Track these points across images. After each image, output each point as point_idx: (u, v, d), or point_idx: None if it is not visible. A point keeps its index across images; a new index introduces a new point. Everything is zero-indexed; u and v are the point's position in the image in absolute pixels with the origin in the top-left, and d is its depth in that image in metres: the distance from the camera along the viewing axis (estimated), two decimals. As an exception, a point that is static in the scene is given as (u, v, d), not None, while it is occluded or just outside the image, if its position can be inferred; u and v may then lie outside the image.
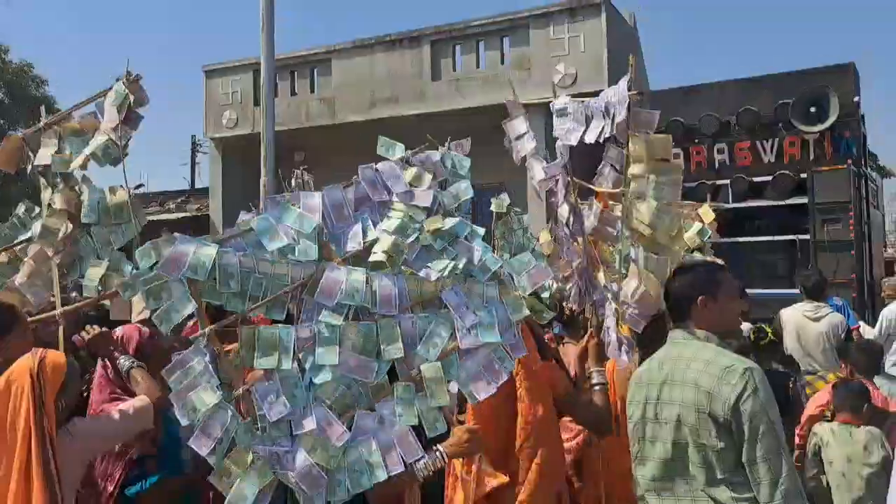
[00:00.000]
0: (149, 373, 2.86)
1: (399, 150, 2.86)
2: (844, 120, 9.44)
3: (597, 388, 3.13)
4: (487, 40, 13.41)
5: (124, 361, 2.90)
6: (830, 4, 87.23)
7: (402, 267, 2.53)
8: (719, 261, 4.49)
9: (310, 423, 2.19)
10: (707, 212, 4.73)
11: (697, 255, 4.25)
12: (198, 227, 14.95)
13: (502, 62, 13.28)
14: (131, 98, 3.16)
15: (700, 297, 2.51)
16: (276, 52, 7.41)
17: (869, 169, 10.33)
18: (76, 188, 3.20)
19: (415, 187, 2.72)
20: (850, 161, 9.28)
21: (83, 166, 3.18)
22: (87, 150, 3.15)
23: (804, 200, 9.38)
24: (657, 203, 3.05)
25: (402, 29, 14.13)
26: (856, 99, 9.65)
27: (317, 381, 2.25)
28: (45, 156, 3.25)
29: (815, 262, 8.85)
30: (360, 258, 2.52)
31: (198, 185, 23.87)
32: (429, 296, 2.48)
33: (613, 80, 13.92)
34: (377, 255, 2.47)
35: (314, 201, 2.57)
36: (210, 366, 2.16)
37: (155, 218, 15.64)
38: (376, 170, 2.72)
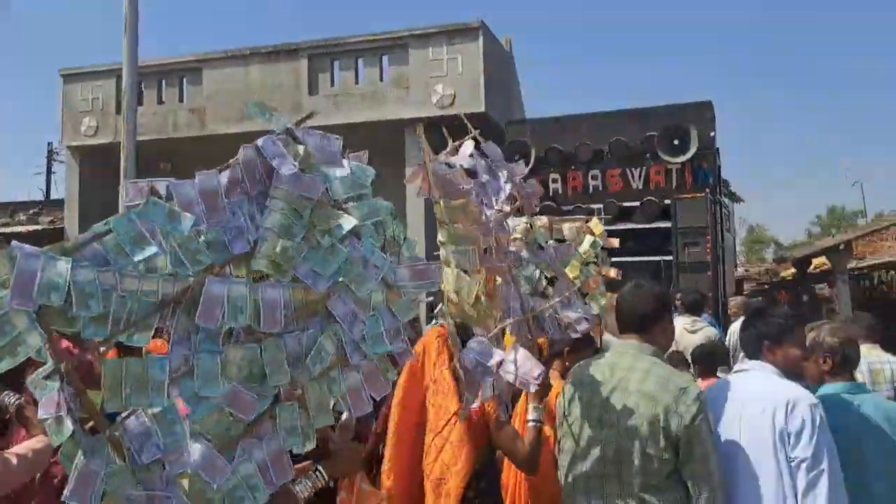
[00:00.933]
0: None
1: (281, 121, 2.26)
2: (703, 152, 10.37)
3: (530, 424, 2.91)
4: (366, 57, 13.36)
5: (8, 399, 2.53)
6: (689, 48, 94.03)
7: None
8: (613, 272, 4.68)
9: (188, 463, 1.90)
10: (596, 224, 4.91)
11: (592, 268, 4.37)
12: (53, 240, 13.89)
13: (381, 79, 13.26)
14: None
15: (659, 317, 2.75)
16: (142, 58, 7.02)
17: (723, 196, 11.23)
18: None
19: (303, 171, 2.21)
20: (707, 189, 10.13)
21: None
22: None
23: (668, 224, 10.07)
24: (457, 270, 2.96)
25: (277, 42, 13.82)
26: (712, 134, 10.60)
27: (196, 416, 1.95)
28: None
29: (677, 281, 9.49)
30: (239, 264, 2.11)
31: (54, 195, 22.23)
32: (314, 306, 2.20)
33: (490, 103, 14.27)
34: (261, 262, 2.09)
35: (188, 191, 2.02)
36: (70, 405, 1.77)
37: (2, 230, 14.41)
38: (257, 148, 2.16)
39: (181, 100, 14.40)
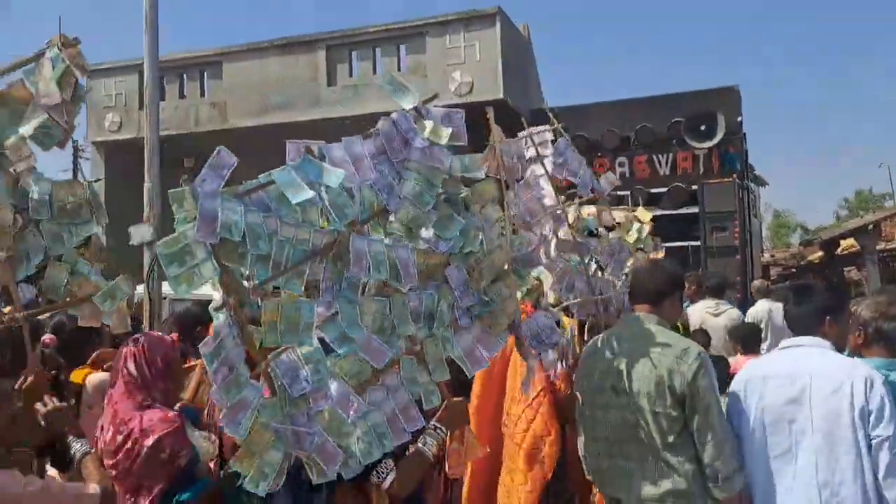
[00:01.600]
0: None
1: (412, 98, 2.45)
2: (729, 137, 10.40)
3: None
4: (384, 47, 13.35)
5: (78, 447, 2.59)
6: (716, 33, 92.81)
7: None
8: (661, 255, 4.94)
9: (329, 399, 2.07)
10: (643, 213, 5.00)
11: (640, 255, 4.56)
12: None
13: (399, 69, 13.24)
14: (72, 67, 2.63)
15: (671, 293, 3.00)
16: (163, 53, 7.08)
17: (749, 181, 11.16)
18: (13, 171, 2.67)
19: (433, 145, 2.42)
20: (734, 174, 10.16)
21: (20, 150, 2.66)
22: (25, 131, 2.61)
23: (696, 210, 10.07)
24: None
25: (295, 34, 13.85)
26: (739, 119, 10.54)
27: (342, 352, 2.16)
28: None
29: (705, 266, 9.47)
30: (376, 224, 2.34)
31: (78, 191, 22.48)
32: (432, 269, 2.41)
33: (508, 90, 14.20)
34: (395, 225, 2.33)
35: (337, 153, 2.23)
36: (238, 339, 1.93)
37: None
38: (393, 122, 2.38)
39: (202, 94, 14.50)
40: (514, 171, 3.19)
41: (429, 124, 2.46)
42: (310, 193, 2.04)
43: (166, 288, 7.64)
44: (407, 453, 2.44)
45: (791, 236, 38.42)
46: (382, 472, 2.36)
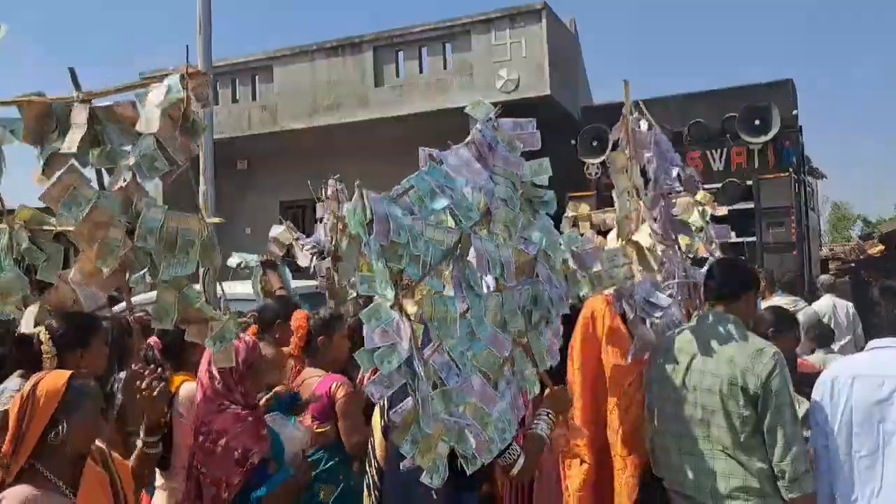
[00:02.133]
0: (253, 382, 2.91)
1: (486, 110, 2.63)
2: (785, 131, 10.20)
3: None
4: (430, 46, 13.41)
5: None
6: (767, 25, 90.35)
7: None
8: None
9: (472, 392, 2.24)
10: (705, 196, 5.10)
11: (702, 235, 4.73)
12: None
13: (445, 68, 13.30)
14: (192, 99, 2.66)
15: (746, 291, 3.03)
16: (214, 58, 7.26)
17: (805, 175, 10.96)
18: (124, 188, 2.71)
19: (510, 152, 2.64)
20: (791, 169, 10.00)
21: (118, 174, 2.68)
22: (134, 156, 2.62)
23: (751, 206, 9.92)
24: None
25: (342, 35, 14.02)
26: (794, 112, 10.38)
27: (475, 350, 2.31)
28: (73, 140, 2.70)
29: (761, 262, 9.35)
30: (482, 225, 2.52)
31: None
32: (523, 268, 2.59)
33: (555, 86, 14.09)
34: (499, 226, 2.49)
35: (454, 160, 2.40)
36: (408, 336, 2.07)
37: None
38: (480, 131, 2.56)
39: (254, 97, 14.79)
40: (643, 142, 3.58)
41: (504, 133, 2.65)
42: (446, 198, 2.23)
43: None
44: (517, 439, 2.55)
45: (852, 229, 37.25)
46: (510, 457, 2.45)
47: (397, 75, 13.63)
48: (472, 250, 2.28)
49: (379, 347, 2.00)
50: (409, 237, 2.08)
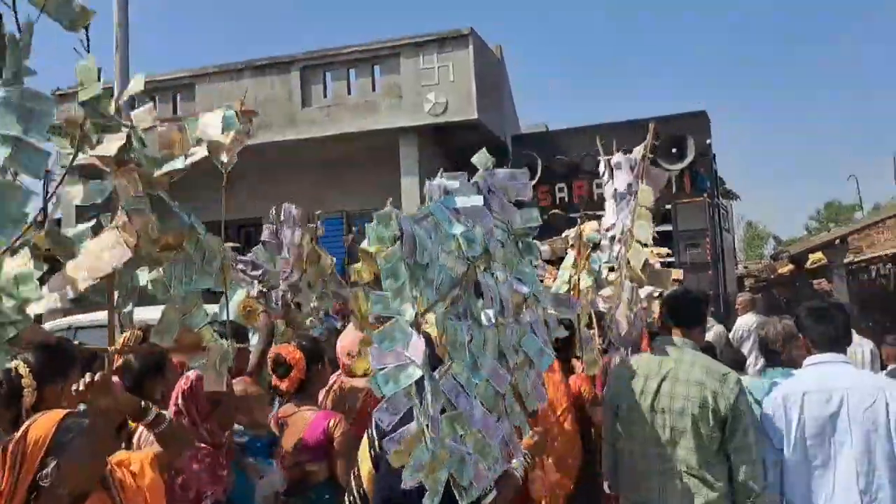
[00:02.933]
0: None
1: (486, 159, 2.76)
2: (699, 159, 11.09)
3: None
4: (358, 68, 13.40)
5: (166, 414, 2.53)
6: (683, 60, 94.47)
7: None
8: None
9: (474, 421, 2.23)
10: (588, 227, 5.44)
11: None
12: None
13: (373, 89, 13.31)
14: (233, 136, 2.73)
15: (702, 318, 3.30)
16: (134, 75, 7.05)
17: (720, 197, 11.68)
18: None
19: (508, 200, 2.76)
20: (705, 194, 10.81)
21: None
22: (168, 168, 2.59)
23: (669, 228, 10.51)
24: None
25: (269, 55, 13.87)
26: (708, 141, 11.30)
27: (477, 379, 2.29)
28: (110, 148, 2.73)
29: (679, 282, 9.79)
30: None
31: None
32: (516, 309, 2.65)
33: (482, 110, 14.29)
34: (497, 264, 2.55)
35: (465, 199, 2.44)
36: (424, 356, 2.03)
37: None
38: (484, 178, 2.67)
39: (174, 113, 14.43)
40: (658, 181, 4.13)
41: (495, 181, 2.76)
42: (461, 226, 2.28)
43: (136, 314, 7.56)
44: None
45: (764, 247, 39.01)
46: (484, 492, 2.40)
47: (325, 96, 13.56)
48: (475, 283, 2.36)
49: (386, 369, 1.97)
50: (432, 259, 2.13)
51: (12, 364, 2.57)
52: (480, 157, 2.71)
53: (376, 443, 2.56)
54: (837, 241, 13.40)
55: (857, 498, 2.80)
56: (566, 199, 11.57)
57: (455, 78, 12.42)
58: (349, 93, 13.42)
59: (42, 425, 2.05)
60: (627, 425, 3.16)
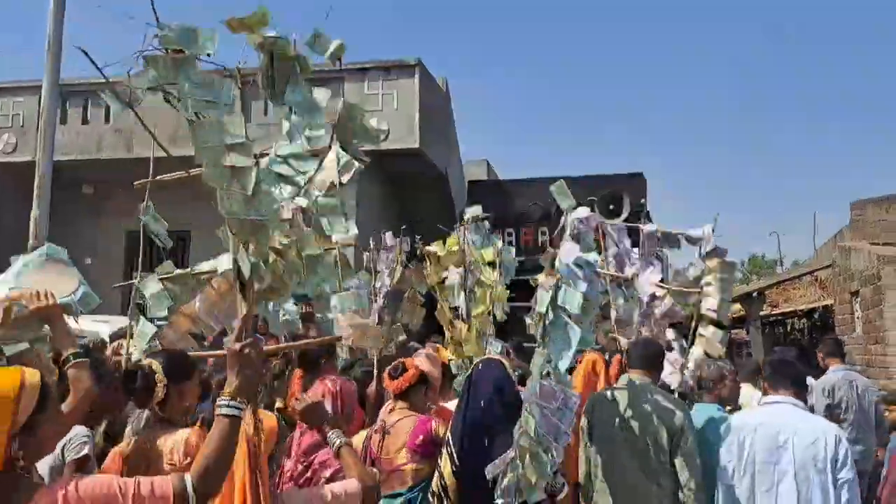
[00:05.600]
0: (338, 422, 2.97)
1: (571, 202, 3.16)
2: (635, 215, 12.01)
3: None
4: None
5: (335, 438, 2.79)
6: (621, 124, 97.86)
7: None
8: None
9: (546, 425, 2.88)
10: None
11: None
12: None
13: (315, 111, 13.20)
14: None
15: (662, 359, 4.05)
16: (70, 75, 6.79)
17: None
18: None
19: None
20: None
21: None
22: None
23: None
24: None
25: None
26: (643, 200, 12.07)
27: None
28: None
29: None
30: None
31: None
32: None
33: (425, 141, 14.38)
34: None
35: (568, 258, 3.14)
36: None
37: None
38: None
39: (107, 120, 13.98)
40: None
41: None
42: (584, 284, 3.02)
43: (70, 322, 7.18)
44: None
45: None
46: (557, 484, 3.13)
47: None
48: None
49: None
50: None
51: (145, 362, 2.87)
52: (560, 191, 3.22)
53: (455, 458, 3.15)
54: (755, 294, 13.91)
55: None
56: (513, 244, 12.18)
57: (399, 106, 12.45)
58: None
59: (270, 417, 2.67)
60: (607, 445, 3.86)
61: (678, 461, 3.57)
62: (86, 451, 3.32)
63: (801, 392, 3.67)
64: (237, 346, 2.03)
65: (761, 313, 14.28)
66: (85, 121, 14.00)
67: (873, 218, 13.65)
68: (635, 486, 3.63)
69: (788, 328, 16.38)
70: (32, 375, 1.81)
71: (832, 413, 5.93)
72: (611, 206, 11.85)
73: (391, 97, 12.55)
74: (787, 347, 12.64)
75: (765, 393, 3.78)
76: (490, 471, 2.87)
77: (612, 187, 12.25)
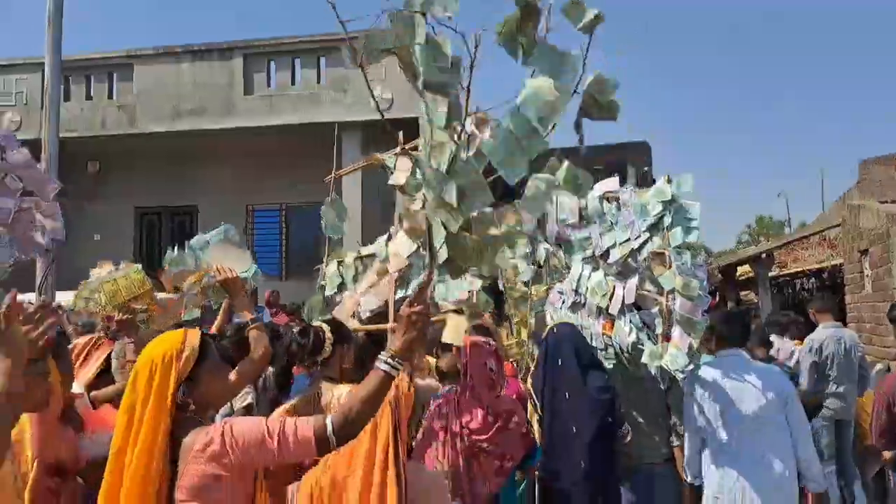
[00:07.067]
0: None
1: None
2: (640, 183, 11.78)
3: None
4: (304, 58, 13.20)
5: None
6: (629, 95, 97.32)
7: None
8: None
9: None
10: None
11: None
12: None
13: (318, 81, 13.13)
14: None
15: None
16: (71, 52, 6.75)
17: None
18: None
19: None
20: None
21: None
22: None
23: None
24: None
25: (212, 41, 13.53)
26: (646, 168, 12.00)
27: None
28: (399, 177, 3.23)
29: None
30: None
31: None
32: None
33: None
34: None
35: None
36: None
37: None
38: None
39: (110, 96, 13.94)
40: None
41: None
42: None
43: (59, 297, 7.27)
44: None
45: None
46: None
47: (268, 85, 13.31)
48: None
49: None
50: None
51: (316, 324, 3.31)
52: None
53: (538, 409, 3.72)
54: (764, 255, 13.87)
55: (760, 458, 3.53)
56: None
57: (402, 74, 12.33)
58: (293, 83, 13.20)
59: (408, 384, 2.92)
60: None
61: (673, 406, 4.01)
62: (249, 399, 4.01)
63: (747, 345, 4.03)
64: (408, 310, 2.14)
65: (770, 275, 14.25)
66: (88, 97, 13.97)
67: (881, 176, 13.53)
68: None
69: (798, 288, 16.36)
70: (193, 335, 2.21)
71: (819, 370, 6.16)
72: (614, 175, 12.01)
73: (394, 65, 12.40)
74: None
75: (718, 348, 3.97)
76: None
77: (615, 156, 12.33)
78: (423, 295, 2.22)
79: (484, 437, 3.30)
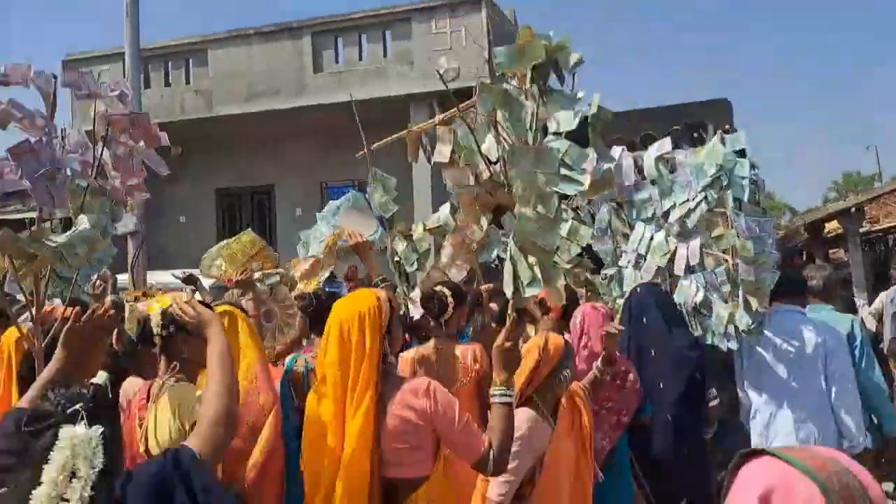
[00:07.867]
0: None
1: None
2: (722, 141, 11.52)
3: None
4: (369, 33, 13.28)
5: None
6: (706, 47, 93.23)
7: None
8: None
9: None
10: None
11: None
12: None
13: (385, 55, 13.19)
14: None
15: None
16: (147, 40, 7.01)
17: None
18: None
19: None
20: None
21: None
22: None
23: None
24: None
25: (280, 21, 13.76)
26: (727, 127, 11.60)
27: None
28: (443, 152, 3.60)
29: None
30: None
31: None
32: None
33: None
34: None
35: None
36: None
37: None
38: None
39: (188, 81, 14.38)
40: None
41: None
42: None
43: (150, 277, 7.63)
44: None
45: (781, 218, 38.80)
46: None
47: (336, 61, 13.46)
48: None
49: None
50: None
51: (438, 289, 3.60)
52: None
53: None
54: (853, 210, 13.23)
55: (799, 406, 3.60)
56: None
57: (468, 43, 12.27)
58: (360, 59, 13.30)
59: (556, 340, 2.91)
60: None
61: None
62: None
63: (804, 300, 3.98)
64: (506, 345, 2.28)
65: (861, 230, 13.60)
66: (167, 83, 14.44)
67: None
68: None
69: (891, 244, 15.58)
70: (381, 292, 2.39)
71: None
72: (694, 135, 11.53)
73: (459, 34, 12.37)
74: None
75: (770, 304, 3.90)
76: None
77: (696, 114, 11.90)
78: (514, 332, 2.32)
79: (604, 395, 3.45)
